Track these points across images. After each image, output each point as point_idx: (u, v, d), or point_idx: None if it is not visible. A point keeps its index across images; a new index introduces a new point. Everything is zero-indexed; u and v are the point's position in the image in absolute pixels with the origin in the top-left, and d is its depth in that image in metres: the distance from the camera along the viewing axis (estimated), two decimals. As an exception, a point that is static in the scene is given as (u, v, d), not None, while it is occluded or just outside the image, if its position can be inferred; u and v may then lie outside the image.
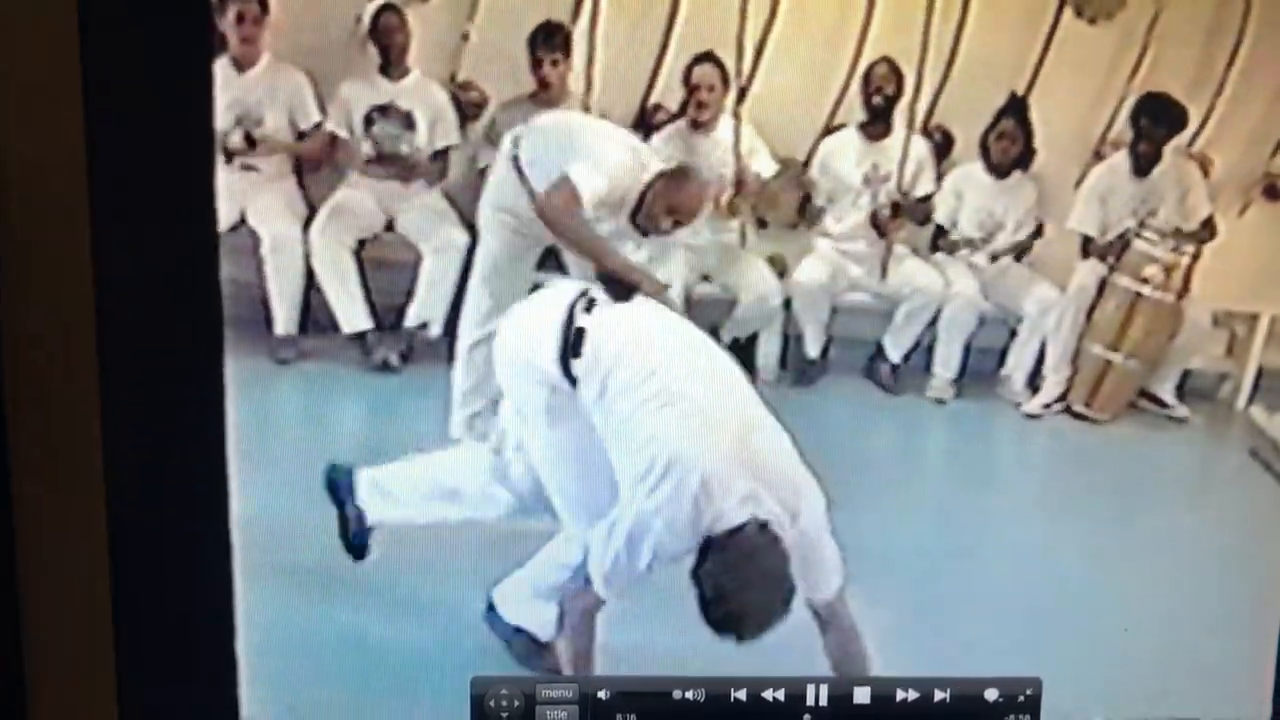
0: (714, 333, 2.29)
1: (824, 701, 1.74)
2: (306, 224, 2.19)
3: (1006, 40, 2.23)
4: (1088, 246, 2.36)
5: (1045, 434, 2.37)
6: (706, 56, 2.20)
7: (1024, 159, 2.37)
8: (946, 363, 2.40)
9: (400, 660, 1.86)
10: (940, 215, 2.42)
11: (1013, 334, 2.38)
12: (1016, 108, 2.32)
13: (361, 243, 2.25)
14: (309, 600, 1.85)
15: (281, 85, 2.18)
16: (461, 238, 2.24)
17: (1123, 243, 2.33)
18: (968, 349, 2.40)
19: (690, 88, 2.23)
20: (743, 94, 2.21)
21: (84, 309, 1.46)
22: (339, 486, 1.96)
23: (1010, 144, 2.36)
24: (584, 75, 2.17)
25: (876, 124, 2.35)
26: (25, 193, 1.44)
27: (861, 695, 1.75)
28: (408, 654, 1.87)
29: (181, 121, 1.46)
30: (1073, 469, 2.33)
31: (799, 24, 2.12)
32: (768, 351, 2.35)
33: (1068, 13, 2.22)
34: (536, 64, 2.18)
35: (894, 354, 2.40)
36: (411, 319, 2.27)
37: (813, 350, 2.39)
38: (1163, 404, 2.36)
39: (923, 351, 2.41)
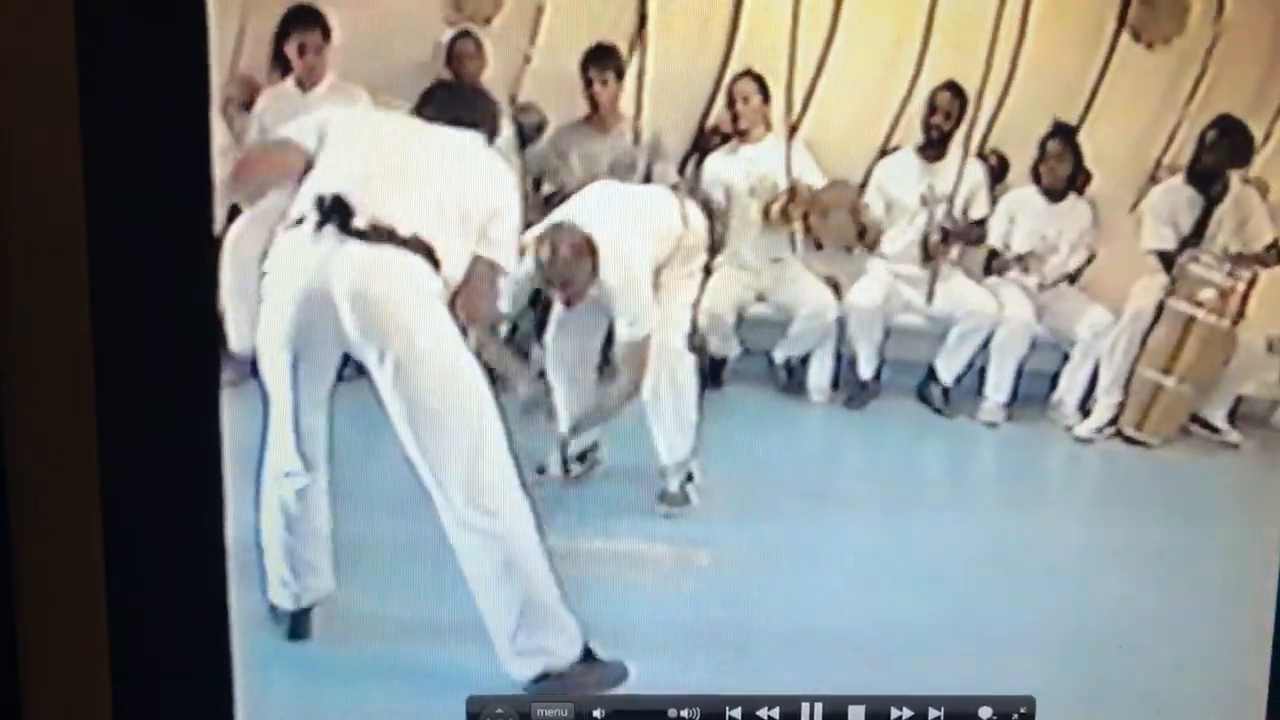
0: (767, 355, 2.32)
1: (819, 719, 1.74)
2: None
3: (1063, 64, 2.19)
4: (1165, 259, 2.32)
5: (1097, 458, 2.34)
6: (746, 72, 2.19)
7: (1077, 182, 2.36)
8: (998, 386, 2.37)
9: (395, 678, 1.86)
10: (994, 238, 2.39)
11: (1065, 358, 2.34)
12: (1064, 131, 2.29)
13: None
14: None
15: (344, 104, 2.12)
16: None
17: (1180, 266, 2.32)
18: (1020, 372, 2.37)
19: (730, 103, 2.23)
20: (796, 117, 2.20)
21: (79, 320, 1.46)
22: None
23: (1059, 166, 2.34)
24: (635, 97, 2.18)
25: (934, 147, 2.33)
26: (21, 205, 1.44)
27: (856, 713, 1.74)
28: (403, 672, 1.87)
29: (179, 128, 1.46)
30: (1124, 493, 2.30)
31: (856, 46, 2.12)
32: (820, 372, 2.33)
33: (1125, 36, 2.19)
34: (588, 85, 2.18)
35: (946, 376, 2.38)
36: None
37: (866, 372, 2.36)
38: (1215, 429, 2.32)
39: (975, 374, 2.38)
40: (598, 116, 2.19)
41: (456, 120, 1.94)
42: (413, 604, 1.83)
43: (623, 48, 2.11)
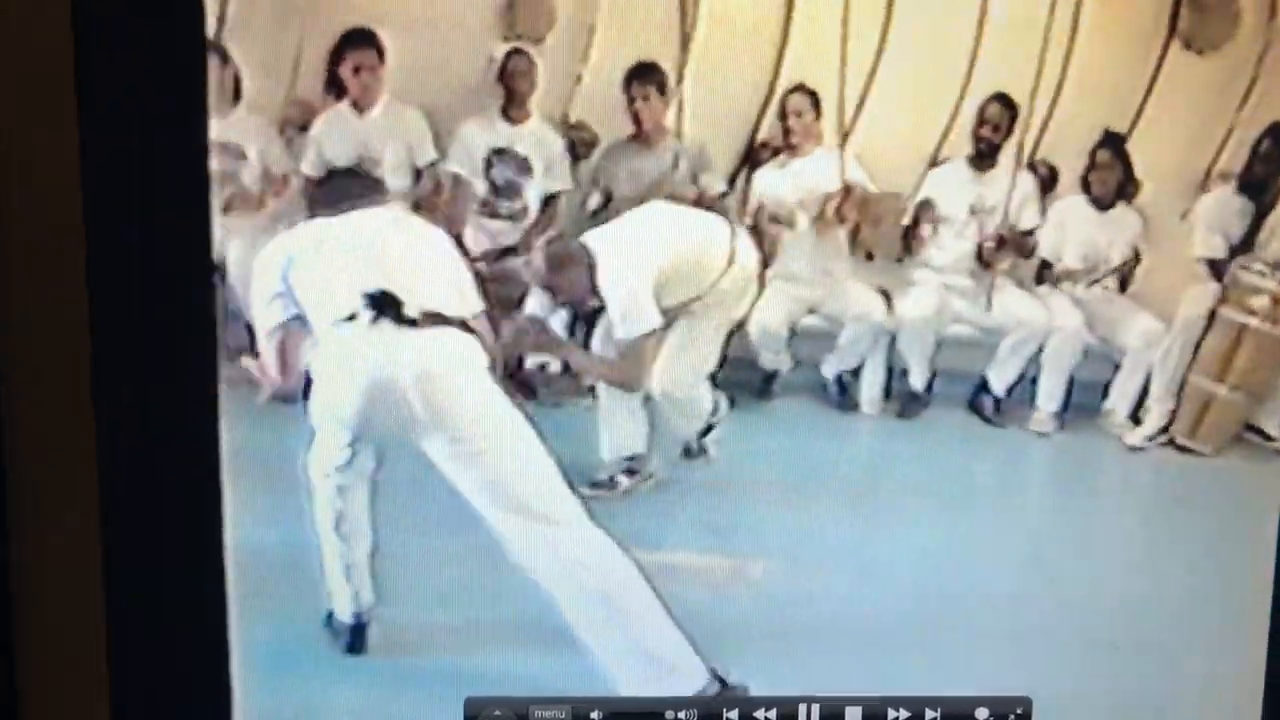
0: (819, 371, 2.33)
1: None
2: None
3: (1113, 73, 2.18)
4: (1216, 267, 2.29)
5: (1148, 467, 2.33)
6: (799, 86, 2.19)
7: (1127, 191, 2.34)
8: (1050, 395, 2.35)
9: (394, 681, 1.88)
10: (1044, 248, 2.37)
11: (1116, 367, 2.32)
12: (1112, 140, 2.27)
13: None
14: (302, 621, 1.87)
15: (400, 125, 2.18)
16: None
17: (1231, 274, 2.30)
18: (1071, 382, 2.36)
19: (782, 117, 2.22)
20: (847, 130, 2.19)
21: (78, 320, 1.46)
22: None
23: (1109, 176, 2.32)
24: (677, 112, 2.18)
25: (984, 157, 2.32)
26: (20, 205, 1.44)
27: (854, 715, 1.75)
28: (401, 675, 1.89)
29: (177, 128, 1.47)
30: (1176, 502, 2.28)
31: (905, 58, 2.11)
32: (872, 384, 2.33)
33: (1176, 44, 2.17)
34: (630, 102, 2.18)
35: (998, 387, 2.36)
36: (531, 360, 2.25)
37: (917, 383, 2.35)
38: (1269, 436, 2.30)
39: (1026, 384, 2.36)
40: (642, 133, 2.20)
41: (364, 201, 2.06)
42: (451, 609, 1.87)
43: (668, 64, 2.13)
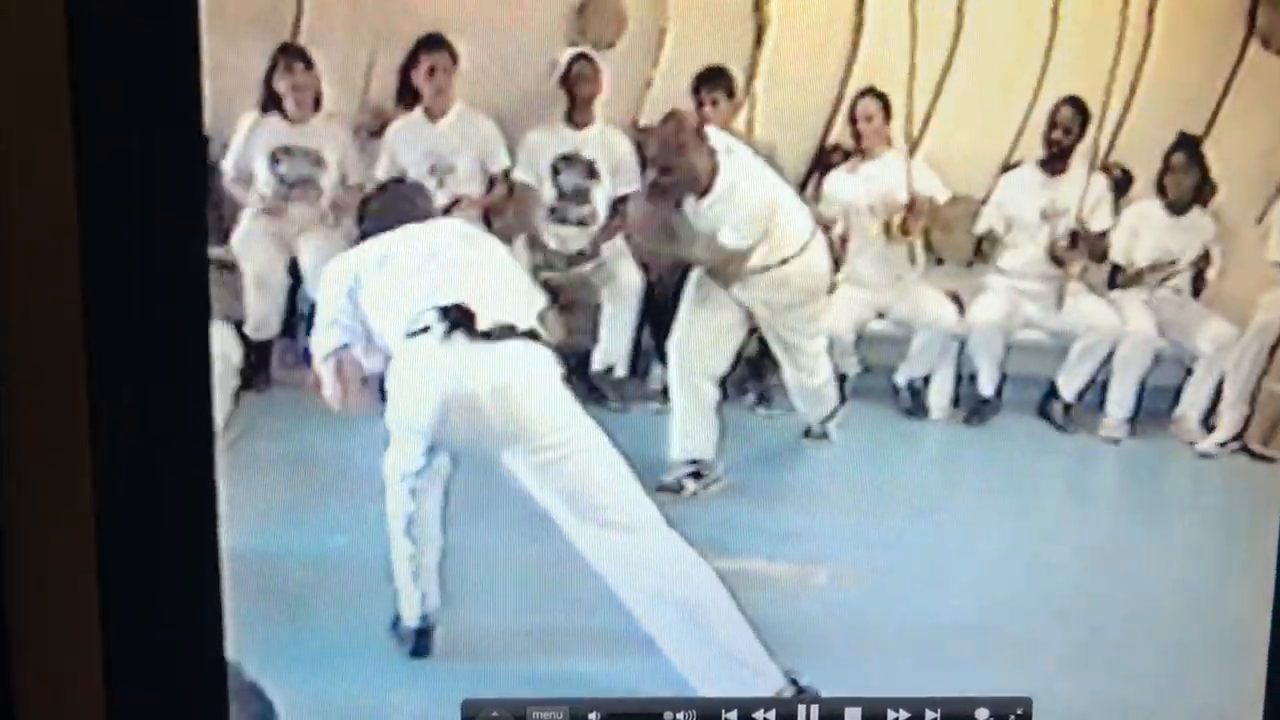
0: (890, 377, 2.31)
1: None
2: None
3: (1188, 74, 2.14)
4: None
5: (1220, 473, 2.29)
6: (870, 90, 2.18)
7: (1201, 194, 2.30)
8: (1121, 401, 2.32)
9: (391, 683, 1.87)
10: (1116, 252, 2.34)
11: (1188, 372, 2.29)
12: (1188, 144, 2.23)
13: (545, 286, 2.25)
14: (298, 625, 1.85)
15: (472, 132, 2.20)
16: (638, 281, 2.28)
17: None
18: (1142, 387, 2.32)
19: (851, 119, 2.21)
20: (917, 133, 2.18)
21: (74, 321, 1.45)
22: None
23: (1184, 179, 2.28)
24: (746, 117, 2.18)
25: (1056, 161, 2.29)
26: (19, 205, 1.43)
27: (853, 715, 1.73)
28: (399, 677, 1.88)
29: (173, 129, 1.45)
30: (1248, 509, 2.24)
31: (977, 61, 2.09)
32: (941, 390, 2.31)
33: (1254, 43, 2.13)
34: (699, 106, 2.17)
35: (1067, 392, 2.34)
36: (598, 363, 2.30)
37: (987, 389, 2.33)
38: (1345, 444, 2.27)
39: (1097, 389, 2.34)
40: None
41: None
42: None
43: (737, 68, 2.12)
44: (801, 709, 1.73)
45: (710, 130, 2.12)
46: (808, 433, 2.24)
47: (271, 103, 2.02)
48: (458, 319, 1.91)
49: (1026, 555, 2.02)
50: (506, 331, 1.93)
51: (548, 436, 1.90)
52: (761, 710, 1.72)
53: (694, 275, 2.22)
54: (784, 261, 2.20)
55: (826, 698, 1.75)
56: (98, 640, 1.54)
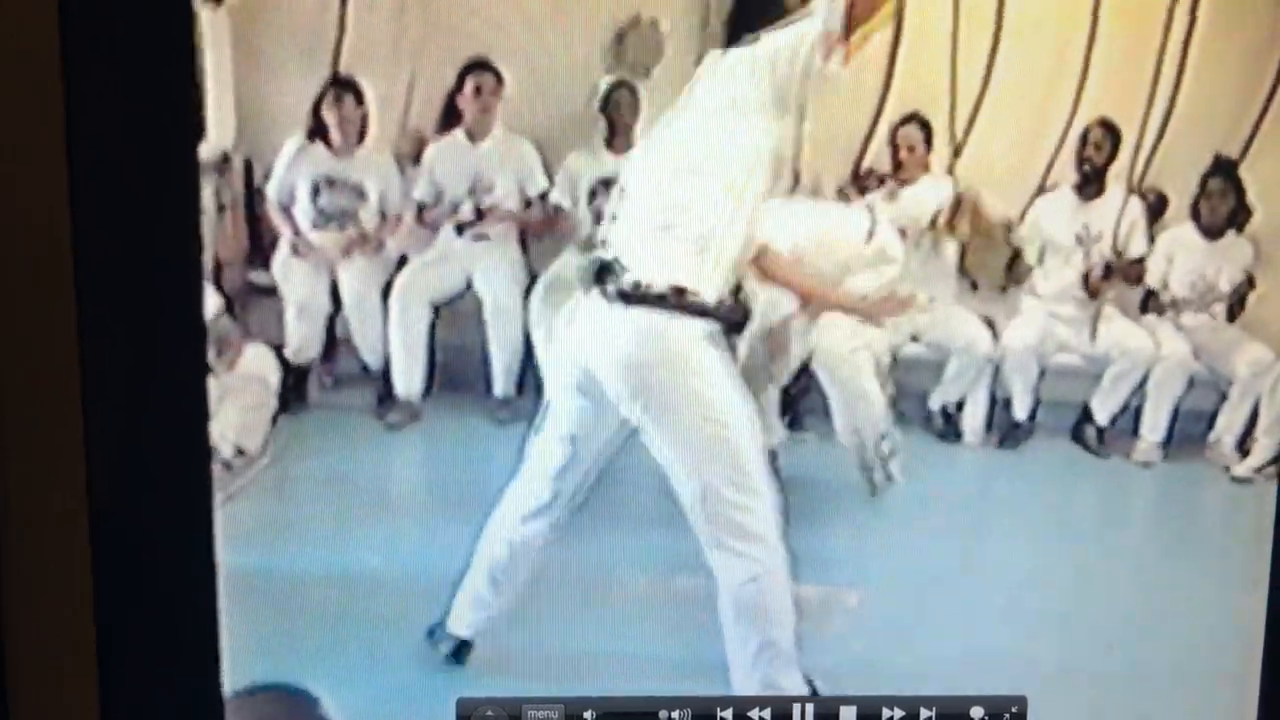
0: (922, 400, 2.31)
1: (810, 719, 1.72)
2: (527, 292, 2.20)
3: (1224, 96, 2.13)
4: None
5: (1255, 498, 2.27)
6: (912, 117, 2.18)
7: (1237, 219, 2.29)
8: (1155, 425, 2.30)
9: (385, 682, 1.86)
10: (1151, 277, 2.33)
11: (1223, 396, 2.27)
12: (1225, 167, 2.21)
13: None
14: (292, 624, 1.85)
15: (512, 154, 2.20)
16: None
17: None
18: (1176, 411, 2.31)
19: (893, 147, 2.21)
20: (956, 155, 2.18)
21: (69, 355, 1.46)
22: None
23: (1220, 204, 2.27)
24: (793, 140, 2.18)
25: (1090, 184, 2.28)
26: (6, 218, 1.43)
27: (848, 714, 1.73)
28: (392, 676, 1.88)
29: (166, 147, 1.46)
30: (1283, 533, 2.23)
31: (1013, 85, 2.09)
32: (974, 413, 2.29)
33: (1291, 68, 2.13)
34: None
35: (1101, 416, 2.32)
36: None
37: (1020, 413, 2.31)
38: (1384, 470, 2.25)
39: (1130, 414, 2.32)
40: None
41: None
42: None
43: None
44: (797, 707, 1.72)
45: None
46: (872, 489, 2.19)
47: (317, 131, 2.02)
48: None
49: (1060, 579, 2.01)
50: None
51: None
52: (757, 709, 1.72)
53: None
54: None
55: (822, 696, 1.75)
56: (94, 677, 1.54)
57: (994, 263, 2.30)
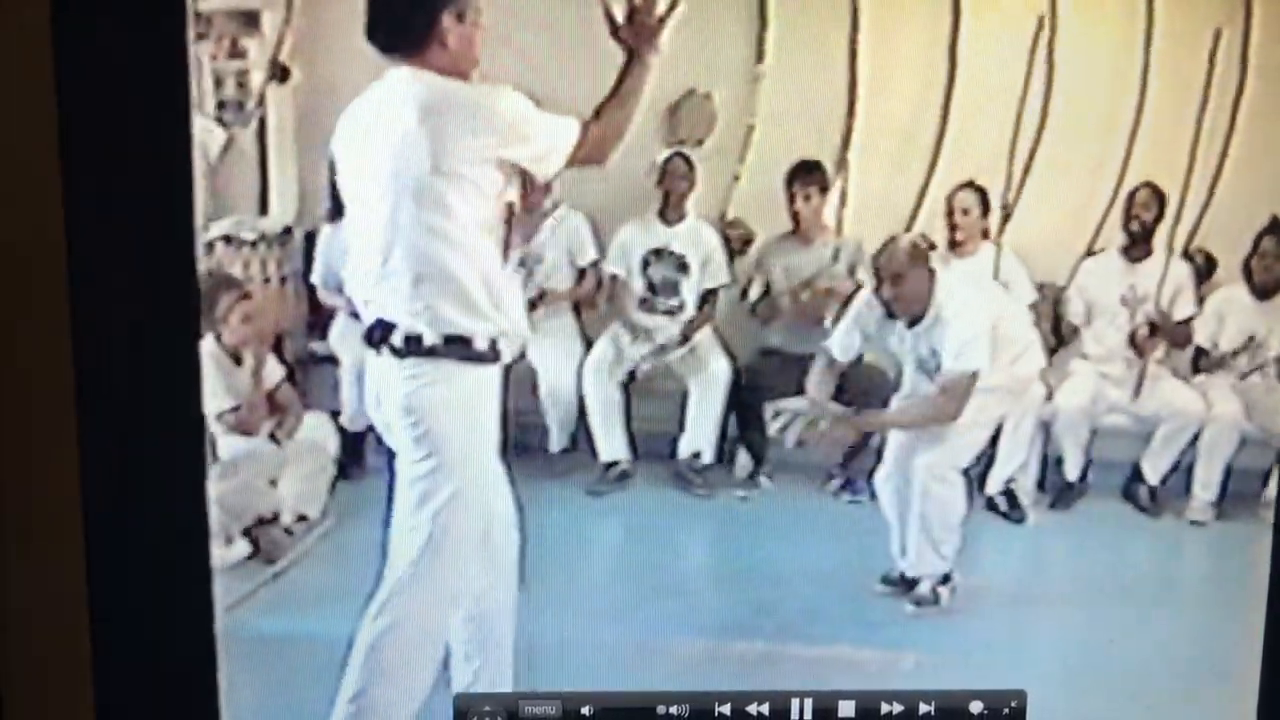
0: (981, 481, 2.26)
1: (809, 715, 1.66)
2: (581, 359, 2.24)
3: (1273, 160, 2.12)
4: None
5: (1308, 555, 2.24)
6: (969, 184, 2.17)
7: (1289, 280, 2.27)
8: (1207, 484, 2.26)
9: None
10: (1201, 337, 2.30)
11: (1278, 455, 2.26)
12: (1277, 226, 2.21)
13: (630, 375, 2.29)
14: (288, 622, 1.84)
15: (563, 226, 2.22)
16: (725, 369, 2.28)
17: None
18: (1229, 470, 2.26)
19: (949, 212, 2.20)
20: (1005, 220, 2.17)
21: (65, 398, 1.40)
22: None
23: (1273, 262, 2.24)
24: (838, 209, 2.18)
25: (1137, 247, 2.26)
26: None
27: (847, 709, 1.66)
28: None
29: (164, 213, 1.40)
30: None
31: (1063, 151, 2.08)
32: (1026, 475, 2.26)
33: (1339, 131, 2.11)
34: (791, 200, 2.19)
35: (1152, 476, 2.29)
36: (684, 450, 2.29)
37: (1072, 473, 2.29)
38: None
39: (1182, 473, 2.29)
40: (801, 230, 2.20)
41: None
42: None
43: (828, 163, 2.13)
44: (795, 702, 1.67)
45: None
46: (917, 600, 2.10)
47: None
48: None
49: (1114, 637, 1.99)
50: None
51: None
52: (755, 704, 1.67)
53: None
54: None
55: (821, 690, 1.69)
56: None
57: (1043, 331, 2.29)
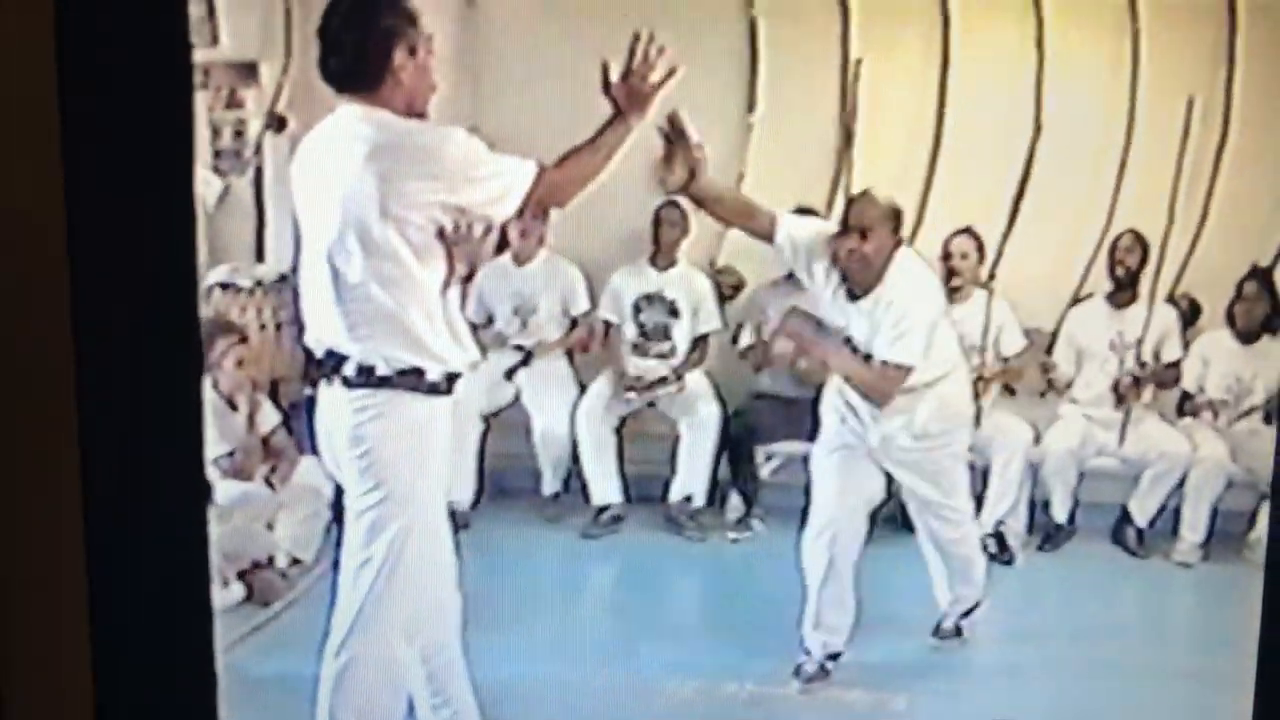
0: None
1: None
2: (575, 403, 2.25)
3: (1255, 208, 2.14)
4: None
5: (1296, 596, 2.25)
6: (964, 230, 2.17)
7: (1273, 323, 2.25)
8: (1194, 526, 2.26)
9: None
10: (1187, 381, 2.31)
11: (1263, 496, 2.26)
12: (1259, 273, 2.21)
13: (623, 420, 2.30)
14: (282, 664, 1.83)
15: (557, 276, 2.25)
16: (716, 414, 2.28)
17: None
18: (1215, 512, 2.27)
19: (945, 257, 2.19)
20: (994, 267, 2.19)
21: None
22: None
23: (1255, 308, 2.25)
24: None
25: (1122, 293, 2.27)
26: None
27: None
28: None
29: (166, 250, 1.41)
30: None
31: (1048, 199, 2.11)
32: (1015, 518, 2.26)
33: (1321, 177, 2.13)
34: None
35: (1140, 518, 2.29)
36: (676, 493, 2.29)
37: (1060, 515, 2.29)
38: None
39: (1169, 515, 2.29)
40: (793, 276, 2.14)
41: None
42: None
43: (820, 209, 2.11)
44: None
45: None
46: (938, 630, 2.06)
47: None
48: None
49: (1104, 677, 1.99)
50: None
51: None
52: None
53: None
54: (929, 385, 2.00)
55: None
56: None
57: (1030, 376, 2.29)
